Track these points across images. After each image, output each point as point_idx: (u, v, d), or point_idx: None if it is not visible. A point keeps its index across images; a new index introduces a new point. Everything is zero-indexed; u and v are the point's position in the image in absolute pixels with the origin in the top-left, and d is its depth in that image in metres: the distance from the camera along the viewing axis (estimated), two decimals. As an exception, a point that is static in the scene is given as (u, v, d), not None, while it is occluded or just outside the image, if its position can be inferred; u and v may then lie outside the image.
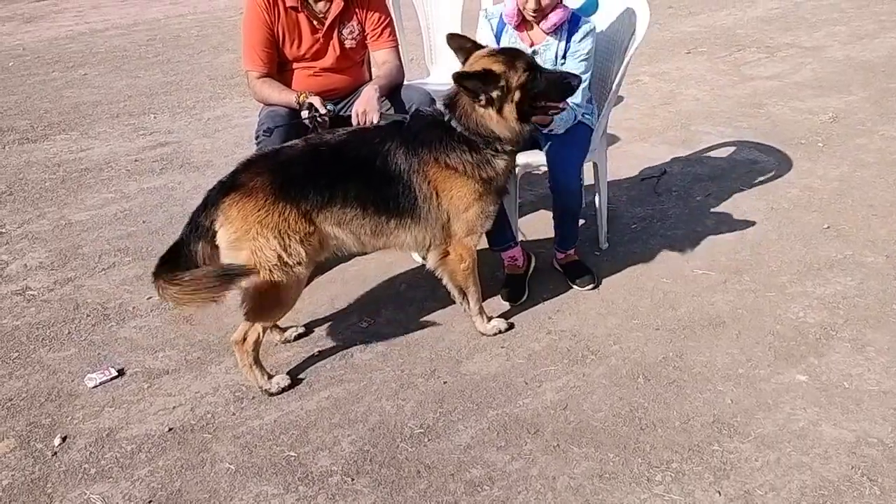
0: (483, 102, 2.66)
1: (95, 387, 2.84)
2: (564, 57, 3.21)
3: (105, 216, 4.25)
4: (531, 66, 2.72)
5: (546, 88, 2.75)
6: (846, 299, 3.11)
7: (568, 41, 3.20)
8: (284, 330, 3.08)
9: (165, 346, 3.08)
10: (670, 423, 2.51)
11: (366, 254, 3.31)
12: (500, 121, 2.70)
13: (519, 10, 3.19)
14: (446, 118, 2.74)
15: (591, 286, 3.31)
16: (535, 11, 3.10)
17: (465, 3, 4.38)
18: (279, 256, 2.59)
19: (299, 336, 3.09)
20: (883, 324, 2.95)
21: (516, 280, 3.34)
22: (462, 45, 2.87)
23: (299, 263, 2.65)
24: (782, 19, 7.71)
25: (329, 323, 3.18)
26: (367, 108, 3.16)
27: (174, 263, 2.62)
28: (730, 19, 7.87)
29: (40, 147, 5.40)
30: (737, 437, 2.44)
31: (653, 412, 2.57)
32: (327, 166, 2.71)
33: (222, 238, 2.60)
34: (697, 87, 5.85)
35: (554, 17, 3.15)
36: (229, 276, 2.52)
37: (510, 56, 2.72)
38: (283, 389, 2.76)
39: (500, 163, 2.78)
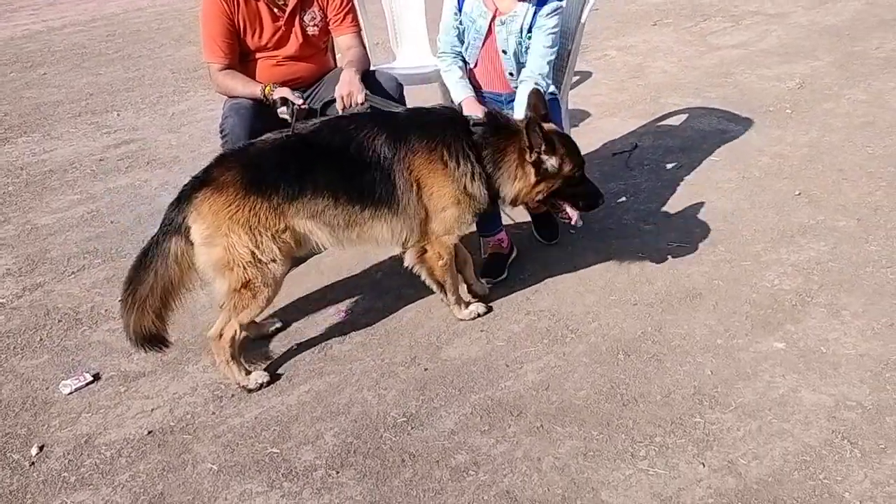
0: (532, 159, 2.71)
1: (71, 393, 2.79)
2: (530, 30, 3.18)
3: (72, 218, 4.16)
4: (582, 169, 2.81)
5: (579, 194, 2.85)
6: (820, 264, 3.14)
7: (535, 15, 3.17)
8: (261, 325, 3.04)
9: (140, 348, 3.02)
10: (652, 398, 2.52)
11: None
12: (522, 180, 2.76)
13: None
14: (475, 125, 2.77)
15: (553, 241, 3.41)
16: None
17: (428, -15, 4.34)
18: (252, 253, 2.56)
19: (276, 330, 3.05)
20: (857, 287, 2.97)
21: (499, 259, 3.34)
22: (538, 107, 2.86)
23: (273, 260, 2.62)
24: (746, -13, 7.71)
25: (306, 315, 3.15)
26: (351, 88, 3.11)
27: (142, 275, 2.61)
28: (694, -11, 7.86)
29: (1, 151, 5.27)
30: (718, 407, 2.45)
31: (634, 387, 2.57)
32: (298, 157, 2.67)
33: (195, 234, 2.57)
34: (665, 59, 5.85)
35: None
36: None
37: (575, 149, 2.81)
38: (262, 385, 2.73)
39: (483, 194, 2.78)
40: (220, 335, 2.70)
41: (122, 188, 4.51)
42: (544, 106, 2.91)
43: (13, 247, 3.90)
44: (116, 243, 3.85)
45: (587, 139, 4.55)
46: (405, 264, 2.97)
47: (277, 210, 2.60)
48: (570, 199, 2.87)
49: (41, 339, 3.13)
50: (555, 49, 3.21)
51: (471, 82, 3.34)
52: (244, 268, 2.57)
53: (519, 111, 3.07)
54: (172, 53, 7.54)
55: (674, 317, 2.92)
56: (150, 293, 2.61)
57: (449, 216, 2.79)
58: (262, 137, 2.79)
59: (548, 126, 2.81)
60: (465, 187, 2.75)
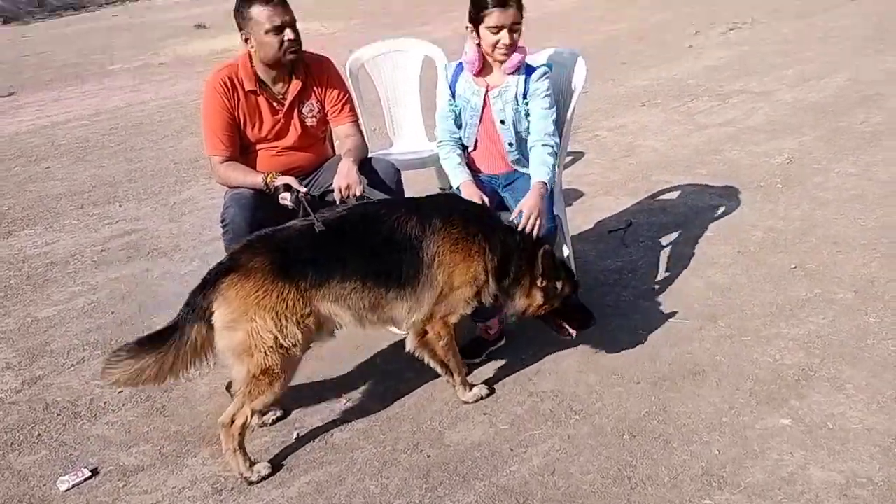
0: (542, 284, 2.92)
1: (68, 489, 2.74)
2: (525, 97, 3.29)
3: (72, 310, 4.17)
4: (576, 290, 3.07)
5: (573, 312, 3.07)
6: (821, 338, 3.14)
7: (526, 82, 3.29)
8: (263, 414, 3.00)
9: (139, 441, 2.99)
10: (660, 480, 2.48)
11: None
12: (530, 300, 2.96)
13: (481, 55, 3.27)
14: (512, 231, 2.96)
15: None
16: (507, 48, 3.18)
17: (423, 71, 4.48)
18: (275, 338, 2.57)
19: (277, 419, 3.02)
20: (859, 360, 2.97)
21: (480, 343, 3.36)
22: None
23: (295, 346, 2.62)
24: (730, 67, 7.95)
25: (307, 403, 3.12)
26: (349, 181, 3.18)
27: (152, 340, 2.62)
28: (680, 71, 8.10)
29: (4, 244, 5.33)
30: (727, 488, 2.41)
31: (641, 469, 2.53)
32: (326, 242, 2.71)
33: (218, 319, 2.58)
34: (655, 138, 5.98)
35: (516, 58, 3.24)
36: None
37: (571, 273, 3.11)
38: (264, 477, 2.68)
39: (495, 293, 2.93)
40: (232, 421, 2.67)
41: (124, 278, 4.54)
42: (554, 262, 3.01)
43: (13, 340, 3.90)
44: (117, 334, 3.85)
45: (582, 218, 4.62)
46: (407, 349, 2.96)
47: (305, 295, 2.63)
48: (566, 319, 3.08)
49: (39, 434, 3.09)
50: (553, 109, 3.32)
51: (469, 168, 3.42)
52: (266, 353, 2.58)
53: (536, 172, 3.21)
54: (174, 144, 7.70)
55: (678, 395, 2.90)
56: (153, 367, 2.60)
57: (460, 296, 2.84)
58: (289, 224, 2.83)
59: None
60: (485, 273, 2.85)
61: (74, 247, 5.13)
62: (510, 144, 3.39)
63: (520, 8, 3.16)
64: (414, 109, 4.58)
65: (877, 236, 3.92)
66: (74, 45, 19.02)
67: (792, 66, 7.66)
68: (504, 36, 3.14)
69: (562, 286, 2.97)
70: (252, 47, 3.32)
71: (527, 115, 3.32)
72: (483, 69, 3.32)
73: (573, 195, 5.01)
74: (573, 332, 3.08)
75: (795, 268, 3.72)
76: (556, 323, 3.09)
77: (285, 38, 3.29)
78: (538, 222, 3.02)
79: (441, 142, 3.44)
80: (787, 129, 5.78)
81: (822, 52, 8.06)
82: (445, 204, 2.97)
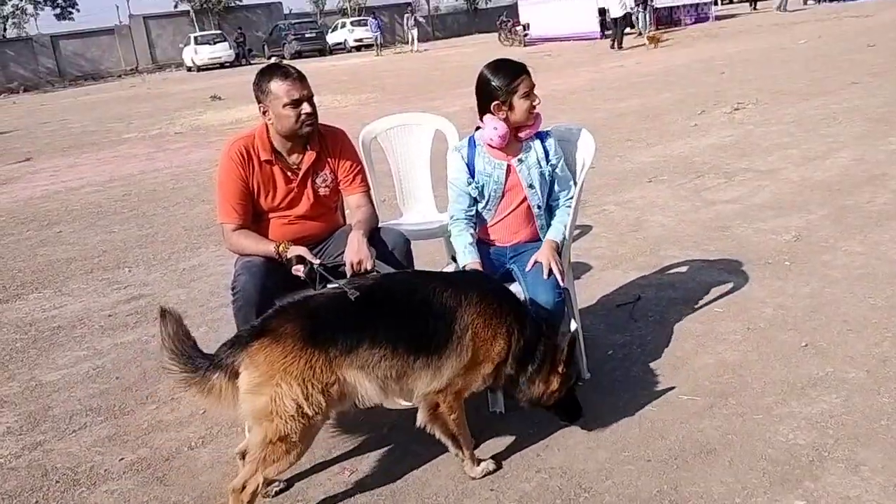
0: (562, 371, 2.98)
1: (63, 561, 2.67)
2: (547, 158, 3.45)
3: (77, 375, 4.15)
4: (578, 379, 3.18)
5: (570, 404, 3.12)
6: (833, 417, 3.08)
7: (544, 145, 3.47)
8: (266, 485, 2.94)
9: (138, 511, 2.93)
10: (672, 563, 2.40)
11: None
12: (548, 386, 2.98)
13: (509, 130, 3.38)
14: (534, 320, 2.99)
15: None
16: (530, 112, 3.39)
17: (434, 144, 4.56)
18: (298, 407, 2.54)
19: (279, 491, 2.96)
20: (874, 441, 2.91)
21: None
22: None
23: (317, 414, 2.60)
24: (736, 146, 8.09)
25: (310, 475, 3.06)
26: (360, 256, 3.19)
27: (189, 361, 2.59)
28: (686, 148, 8.24)
29: (12, 307, 5.36)
30: (742, 573, 2.33)
31: (653, 551, 2.46)
32: (358, 309, 2.71)
33: (244, 381, 2.56)
34: (662, 214, 6.03)
35: (536, 127, 3.45)
36: None
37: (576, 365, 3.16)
38: (266, 550, 2.61)
39: (509, 377, 2.95)
40: (243, 488, 2.60)
41: (130, 343, 4.53)
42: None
43: (16, 404, 3.87)
44: (120, 400, 3.82)
45: (590, 291, 4.62)
46: (418, 424, 2.91)
47: (333, 363, 2.61)
48: (561, 409, 3.12)
49: (37, 502, 3.03)
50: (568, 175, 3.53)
51: (481, 240, 3.51)
52: (286, 420, 2.54)
53: (549, 233, 3.46)
54: (186, 212, 7.81)
55: (689, 474, 2.84)
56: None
57: (481, 371, 2.84)
58: (320, 290, 2.84)
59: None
60: (507, 354, 2.87)
61: (82, 311, 5.15)
62: (539, 207, 3.48)
63: None
64: (424, 181, 4.65)
65: (887, 315, 3.90)
66: (92, 114, 19.55)
67: (797, 145, 7.78)
68: (534, 97, 3.38)
69: (573, 375, 3.04)
70: (270, 119, 3.40)
71: (549, 176, 3.47)
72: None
73: (581, 269, 5.03)
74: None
75: (806, 346, 3.68)
76: (561, 413, 3.14)
77: (302, 111, 3.38)
78: (556, 268, 3.23)
79: (455, 219, 3.50)
80: (793, 206, 5.83)
81: (826, 132, 8.20)
82: (481, 280, 3.04)
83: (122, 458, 3.29)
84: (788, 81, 12.08)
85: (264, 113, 3.41)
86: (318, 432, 2.69)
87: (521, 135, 3.44)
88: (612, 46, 22.71)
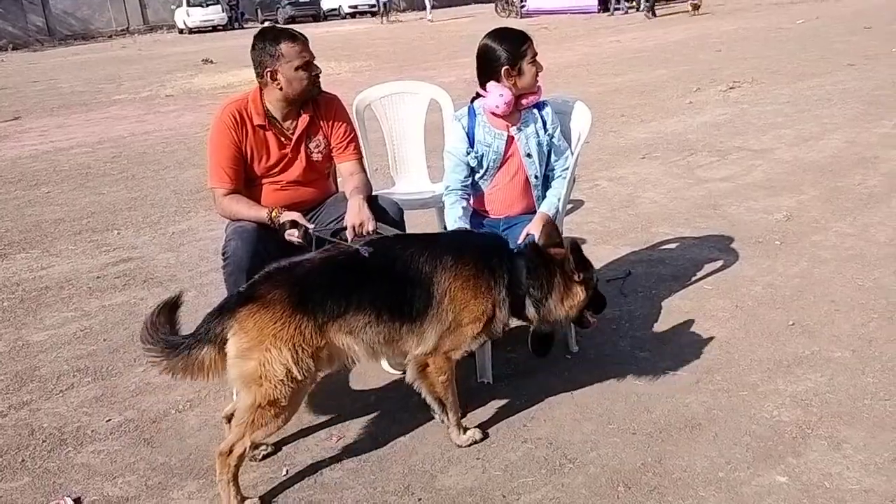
0: (579, 279, 2.90)
1: (49, 519, 2.68)
2: (545, 127, 3.45)
3: (64, 335, 4.14)
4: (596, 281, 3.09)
5: (595, 300, 3.07)
6: (818, 396, 3.12)
7: (541, 114, 3.47)
8: (253, 449, 2.95)
9: (125, 471, 2.93)
10: (654, 534, 2.43)
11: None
12: (573, 299, 2.94)
13: (513, 97, 3.39)
14: (518, 255, 2.93)
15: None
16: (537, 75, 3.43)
17: (428, 114, 4.52)
18: (288, 371, 2.54)
19: (267, 455, 2.97)
20: (857, 420, 2.94)
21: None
22: (554, 237, 3.04)
23: (306, 378, 2.61)
24: (730, 124, 8.08)
25: (298, 440, 3.07)
26: (362, 218, 3.19)
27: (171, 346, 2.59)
28: (680, 125, 8.22)
29: (-1, 266, 5.31)
30: (723, 545, 2.37)
31: (635, 522, 2.49)
32: (344, 275, 2.72)
33: (232, 346, 2.56)
34: (654, 190, 6.03)
35: (536, 95, 3.45)
36: None
37: (592, 267, 3.03)
38: (252, 514, 2.63)
39: (506, 318, 2.91)
40: (230, 451, 2.61)
41: (118, 305, 4.51)
42: (558, 233, 3.07)
43: (3, 363, 3.86)
44: (108, 361, 3.81)
45: (581, 266, 4.62)
46: (406, 379, 2.93)
47: (322, 328, 2.62)
48: (591, 307, 3.08)
49: (23, 461, 3.03)
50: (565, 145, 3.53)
51: (476, 212, 3.50)
52: (275, 385, 2.54)
53: (542, 206, 3.47)
54: (176, 175, 7.74)
55: (674, 447, 2.86)
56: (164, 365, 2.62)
57: (468, 332, 2.83)
58: (307, 256, 2.83)
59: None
60: (493, 309, 2.85)
61: (70, 272, 5.12)
62: (535, 177, 3.49)
63: None
64: (417, 151, 4.62)
65: (874, 297, 3.92)
66: (82, 74, 19.28)
67: (791, 125, 7.78)
68: (538, 63, 3.42)
69: (592, 275, 2.99)
70: (277, 83, 3.35)
71: (547, 145, 3.48)
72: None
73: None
74: (594, 320, 3.12)
75: (793, 324, 3.71)
76: (584, 316, 3.07)
77: (313, 72, 3.38)
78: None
79: (450, 190, 3.49)
80: (785, 186, 5.83)
81: (820, 113, 8.20)
82: (458, 241, 2.99)
83: (108, 420, 3.29)
84: (784, 61, 12.04)
85: (271, 76, 3.35)
86: (305, 395, 2.70)
87: (524, 101, 3.44)
88: (648, 16, 23.03)
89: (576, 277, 2.91)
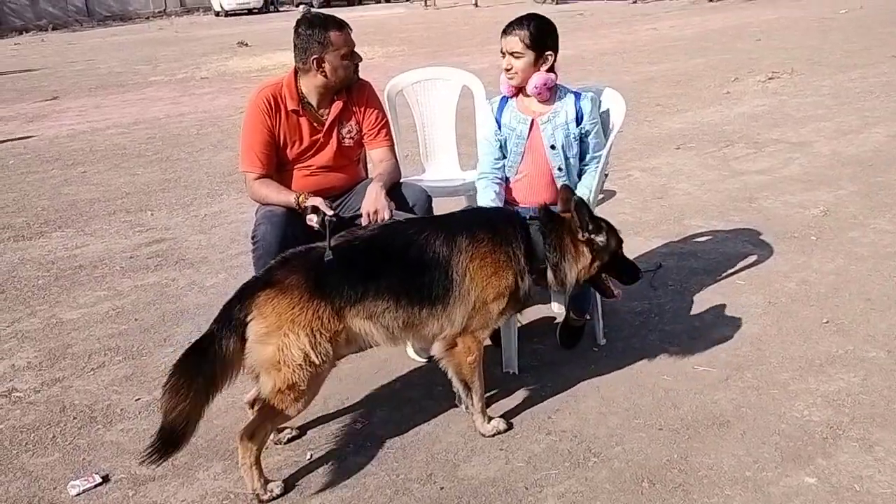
0: (585, 238, 2.86)
1: (78, 495, 2.73)
2: (579, 121, 3.37)
3: (97, 314, 4.20)
4: (622, 246, 3.02)
5: (623, 267, 3.04)
6: (850, 396, 3.05)
7: (577, 106, 3.39)
8: (278, 432, 2.98)
9: (153, 451, 2.97)
10: (678, 531, 2.40)
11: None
12: (581, 260, 2.90)
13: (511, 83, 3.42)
14: (531, 221, 2.91)
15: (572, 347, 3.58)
16: (506, 72, 3.38)
17: (460, 101, 4.49)
18: (306, 355, 2.55)
19: (292, 439, 2.99)
20: (890, 422, 2.88)
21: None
22: (568, 196, 2.99)
23: (325, 362, 2.61)
24: (768, 116, 7.91)
25: (322, 424, 3.09)
26: (377, 206, 3.19)
27: (199, 362, 2.54)
28: (717, 116, 8.08)
29: (35, 244, 5.41)
30: (748, 545, 2.33)
31: (659, 519, 2.46)
32: (361, 260, 2.72)
33: (252, 331, 2.57)
34: (688, 182, 5.94)
35: (536, 79, 3.33)
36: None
37: (613, 227, 2.99)
38: (275, 497, 2.65)
39: (530, 287, 2.88)
40: (252, 435, 2.63)
41: (150, 286, 4.57)
42: (579, 196, 3.00)
43: (37, 340, 3.93)
44: (139, 341, 3.86)
45: (611, 257, 4.57)
46: (433, 355, 2.93)
47: (339, 313, 2.63)
48: (616, 275, 3.04)
49: (54, 437, 3.09)
50: (601, 133, 3.47)
51: (507, 201, 3.48)
52: (293, 369, 2.56)
53: (583, 193, 3.36)
54: (209, 158, 7.80)
55: (700, 444, 2.83)
56: (199, 387, 2.54)
57: (494, 309, 2.82)
58: (323, 243, 2.82)
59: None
60: (516, 282, 2.83)
61: (104, 251, 5.19)
62: (559, 169, 3.43)
63: (529, 40, 3.29)
64: (448, 137, 4.59)
65: (912, 296, 3.83)
66: (119, 55, 19.49)
67: (831, 118, 7.60)
68: (505, 61, 3.37)
69: (606, 238, 2.92)
70: (321, 71, 3.36)
71: (577, 138, 3.40)
72: (520, 96, 3.45)
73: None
74: (618, 293, 3.06)
75: (827, 322, 3.64)
76: (604, 284, 3.03)
77: (356, 61, 3.44)
78: None
79: (482, 174, 3.48)
80: (823, 181, 5.71)
81: (862, 106, 8.00)
82: (469, 219, 2.95)
83: (138, 399, 3.34)
84: (826, 52, 11.76)
85: (317, 63, 3.35)
86: (324, 380, 2.70)
87: (527, 89, 3.40)
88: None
89: (580, 236, 2.87)
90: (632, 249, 4.61)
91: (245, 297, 2.61)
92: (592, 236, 2.88)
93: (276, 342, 2.54)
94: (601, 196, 5.63)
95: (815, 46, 12.42)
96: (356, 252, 2.73)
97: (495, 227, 2.85)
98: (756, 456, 2.74)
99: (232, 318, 2.58)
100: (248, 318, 2.57)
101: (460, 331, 2.80)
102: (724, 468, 2.69)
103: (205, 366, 2.54)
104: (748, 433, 2.87)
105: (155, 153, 8.21)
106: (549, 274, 2.88)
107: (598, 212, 5.18)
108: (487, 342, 3.44)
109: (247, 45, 19.49)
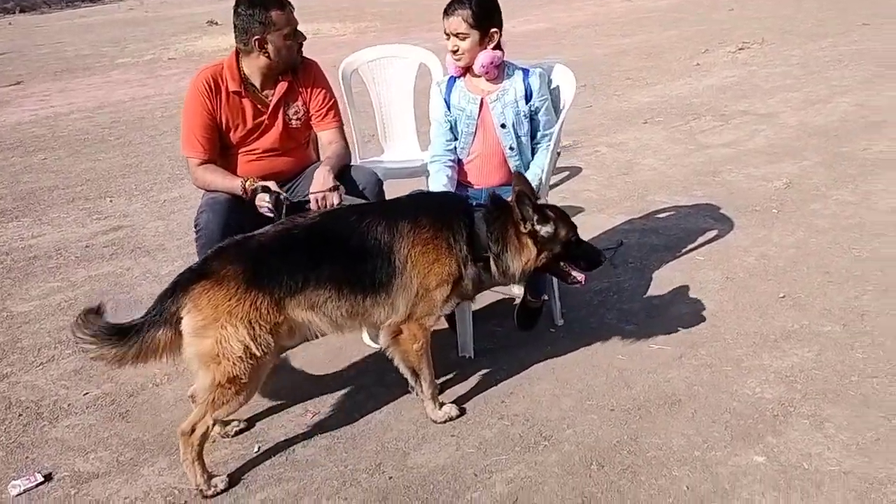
0: (527, 230, 2.77)
1: (19, 495, 2.66)
2: (528, 98, 3.31)
3: (48, 306, 4.11)
4: (576, 232, 2.91)
5: (579, 256, 2.92)
6: (803, 372, 3.04)
7: (526, 83, 3.33)
8: (225, 424, 2.93)
9: (98, 447, 2.91)
10: (624, 515, 2.38)
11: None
12: (524, 253, 2.81)
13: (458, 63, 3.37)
14: (477, 208, 2.84)
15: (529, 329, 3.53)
16: (452, 53, 3.32)
17: (417, 79, 4.41)
18: (246, 348, 2.50)
19: (240, 431, 2.94)
20: (842, 398, 2.86)
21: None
22: (523, 187, 2.89)
23: (266, 354, 2.56)
24: (737, 87, 7.87)
25: (272, 416, 3.04)
26: (325, 191, 3.11)
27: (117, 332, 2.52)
28: (685, 89, 8.03)
29: (-10, 235, 5.28)
30: (693, 528, 2.31)
31: (605, 503, 2.44)
32: (300, 249, 2.65)
33: (187, 325, 2.50)
34: (654, 157, 5.89)
35: (483, 58, 3.27)
36: None
37: (566, 215, 2.90)
38: (219, 492, 2.60)
39: (475, 275, 2.82)
40: (192, 430, 2.58)
41: (104, 276, 4.48)
42: (528, 186, 2.94)
43: (-15, 335, 3.84)
44: (89, 333, 3.77)
45: (573, 235, 4.52)
46: (379, 345, 2.88)
47: (279, 303, 2.56)
48: (573, 263, 2.93)
49: (-2, 435, 3.02)
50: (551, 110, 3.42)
51: (460, 183, 3.42)
52: (233, 362, 2.50)
53: (535, 173, 3.32)
54: (172, 141, 7.64)
55: (651, 425, 2.80)
56: (112, 356, 2.53)
57: (437, 296, 2.76)
58: (262, 230, 2.76)
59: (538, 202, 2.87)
60: (458, 269, 2.77)
61: (60, 241, 5.08)
62: (511, 149, 3.37)
63: (472, 19, 3.21)
64: (407, 117, 4.51)
65: (870, 268, 3.82)
66: (87, 37, 19.07)
67: (799, 88, 7.57)
68: (450, 43, 3.30)
69: (553, 228, 2.80)
70: (263, 52, 3.26)
71: (527, 116, 3.34)
72: (468, 76, 3.39)
73: (568, 211, 4.89)
74: (581, 277, 2.93)
75: (784, 297, 3.62)
76: (563, 272, 2.93)
77: (300, 40, 3.33)
78: None
79: (434, 157, 3.42)
80: (788, 152, 5.68)
81: (831, 75, 7.98)
82: (413, 205, 2.87)
83: (86, 393, 3.27)
84: (799, 20, 11.71)
85: (259, 44, 3.25)
86: (267, 372, 2.65)
87: (474, 68, 3.34)
88: None
89: (522, 228, 2.78)
90: (595, 227, 4.60)
91: (179, 289, 2.54)
92: (536, 228, 2.78)
93: (213, 335, 2.48)
94: (566, 173, 5.59)
95: (788, 16, 12.36)
96: (295, 241, 2.66)
97: (438, 213, 2.79)
98: (706, 435, 2.72)
99: (164, 311, 2.52)
100: (183, 312, 2.50)
101: (405, 318, 2.75)
102: (674, 448, 2.67)
103: (121, 341, 2.51)
104: (699, 412, 2.85)
105: (117, 138, 8.04)
106: (492, 265, 2.81)
107: (563, 190, 5.19)
108: (444, 325, 3.43)
109: (217, 23, 19.10)
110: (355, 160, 4.22)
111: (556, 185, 5.42)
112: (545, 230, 2.79)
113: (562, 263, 2.91)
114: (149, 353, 2.53)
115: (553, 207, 2.89)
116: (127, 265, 4.60)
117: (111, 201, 5.88)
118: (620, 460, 2.63)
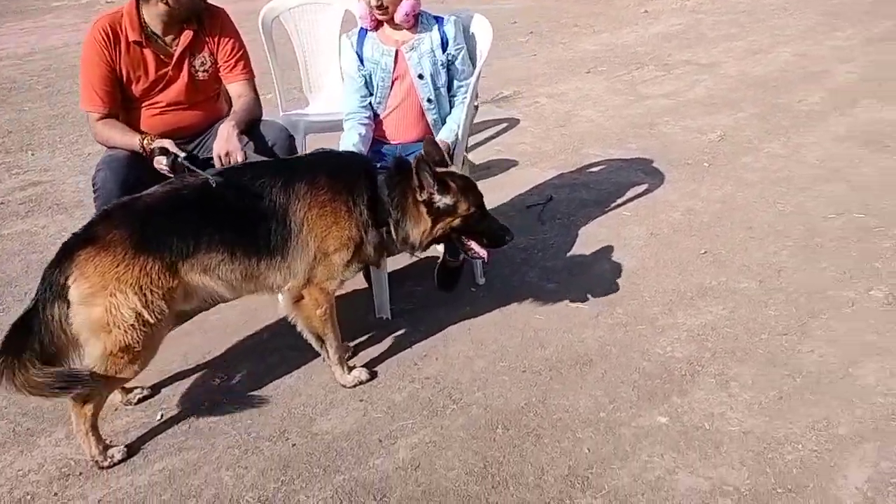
0: (424, 198, 2.64)
1: None
2: (444, 47, 3.21)
3: (-45, 268, 3.94)
4: (481, 207, 2.76)
5: (482, 231, 2.77)
6: (715, 330, 3.04)
7: (441, 31, 3.22)
8: (128, 392, 2.84)
9: (-5, 417, 2.81)
10: (523, 479, 2.37)
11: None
12: (421, 223, 2.69)
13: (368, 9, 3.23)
14: (381, 171, 2.72)
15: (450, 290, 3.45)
16: (378, 9, 3.16)
17: (343, 27, 4.23)
18: (138, 315, 2.39)
19: (143, 398, 2.85)
20: (749, 355, 2.88)
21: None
22: (432, 154, 2.77)
23: (160, 320, 2.46)
24: (682, 35, 7.78)
25: (179, 381, 2.96)
26: (229, 148, 2.97)
27: (24, 337, 2.37)
28: (631, 37, 7.91)
29: None
30: (590, 491, 2.31)
31: (507, 467, 2.42)
32: (191, 211, 2.54)
33: (75, 294, 2.38)
34: (593, 108, 5.81)
35: (405, 7, 3.15)
36: (75, 382, 2.36)
37: (471, 186, 2.76)
38: (116, 463, 2.53)
39: (378, 240, 2.73)
40: (86, 400, 2.48)
41: (17, 235, 4.30)
42: (438, 152, 2.83)
43: None
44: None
45: (505, 190, 4.46)
46: (281, 313, 2.81)
47: (171, 268, 2.46)
48: (475, 237, 2.80)
49: None
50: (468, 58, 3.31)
51: (377, 139, 3.30)
52: (125, 330, 2.39)
53: (442, 133, 3.21)
54: (101, 90, 7.33)
55: (560, 386, 2.79)
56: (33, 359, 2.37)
57: (336, 260, 2.68)
58: (150, 190, 2.62)
59: (445, 169, 2.76)
60: (358, 233, 2.68)
61: (-27, 198, 4.86)
62: (429, 101, 3.27)
63: None
64: (332, 67, 4.34)
65: (792, 223, 3.82)
66: (19, -23, 18.13)
67: (743, 37, 7.52)
68: None
69: (453, 200, 2.68)
70: None
71: (444, 65, 3.24)
72: (381, 25, 3.26)
73: (502, 165, 4.86)
74: (483, 253, 2.82)
75: (705, 253, 3.61)
76: (465, 246, 2.81)
77: None
78: None
79: (349, 115, 3.30)
80: (725, 103, 5.65)
81: (775, 24, 7.93)
82: (311, 165, 2.76)
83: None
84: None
85: None
86: (162, 338, 2.55)
87: (395, 19, 3.20)
88: None
89: (419, 196, 2.66)
90: (526, 181, 4.54)
91: (64, 257, 2.41)
92: (434, 198, 2.66)
93: (102, 303, 2.37)
94: (503, 125, 5.49)
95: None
96: (185, 201, 2.54)
97: (338, 174, 2.68)
98: (613, 396, 2.71)
99: (53, 283, 2.40)
100: (70, 281, 2.38)
101: (304, 283, 2.67)
102: (580, 410, 2.66)
103: (31, 340, 2.37)
104: (609, 372, 2.84)
105: (46, 86, 7.69)
106: (393, 231, 2.72)
107: (499, 143, 5.09)
108: (363, 285, 3.36)
109: (161, -36, 18.33)
110: (279, 114, 4.08)
111: (491, 137, 5.34)
112: (443, 201, 2.67)
113: (463, 237, 2.80)
114: (56, 337, 2.40)
115: (459, 177, 2.76)
116: (42, 223, 4.42)
117: (33, 154, 5.63)
118: (526, 423, 2.61)
